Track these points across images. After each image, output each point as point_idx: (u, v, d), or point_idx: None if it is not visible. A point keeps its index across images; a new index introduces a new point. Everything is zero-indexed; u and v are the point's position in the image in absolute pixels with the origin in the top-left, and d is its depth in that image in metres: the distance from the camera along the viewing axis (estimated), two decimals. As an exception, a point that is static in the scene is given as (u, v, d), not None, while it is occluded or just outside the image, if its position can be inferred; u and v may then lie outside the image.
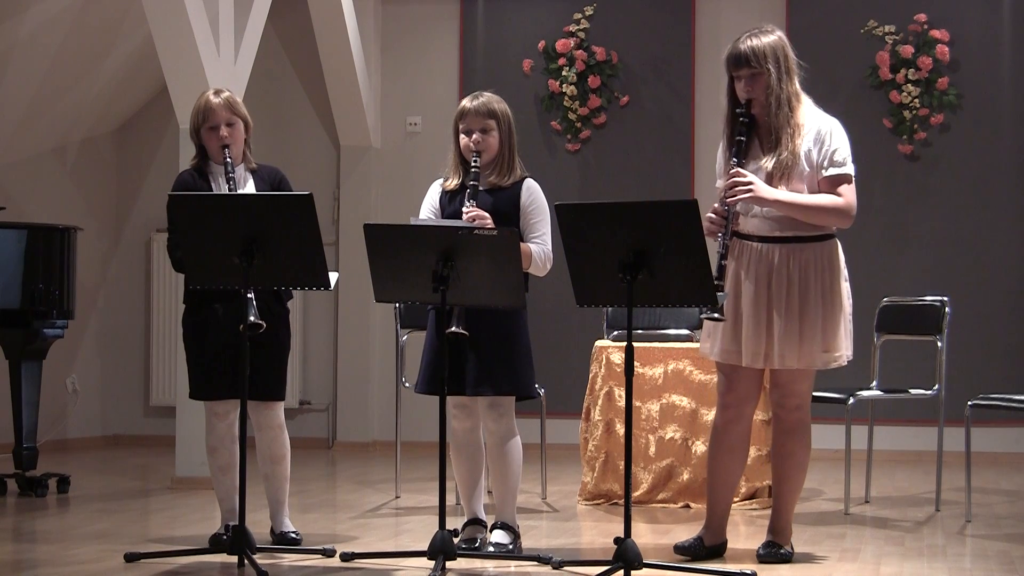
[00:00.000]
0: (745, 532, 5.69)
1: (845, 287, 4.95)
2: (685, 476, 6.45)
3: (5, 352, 7.02)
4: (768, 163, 4.88)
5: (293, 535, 5.26)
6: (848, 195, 4.88)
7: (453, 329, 4.81)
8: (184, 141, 6.71)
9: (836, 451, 7.71)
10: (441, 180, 5.17)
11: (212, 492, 5.42)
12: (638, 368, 6.42)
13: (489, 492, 5.43)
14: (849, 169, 4.90)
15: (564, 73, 9.03)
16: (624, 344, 4.60)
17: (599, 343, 6.69)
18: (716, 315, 4.80)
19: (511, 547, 5.01)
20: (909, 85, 8.66)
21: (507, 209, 5.00)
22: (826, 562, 5.01)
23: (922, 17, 8.67)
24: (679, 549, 5.01)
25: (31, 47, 7.90)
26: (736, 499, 6.00)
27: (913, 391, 6.56)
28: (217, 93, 5.27)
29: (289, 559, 5.02)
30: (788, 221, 4.88)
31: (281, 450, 5.30)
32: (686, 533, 5.25)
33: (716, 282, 4.64)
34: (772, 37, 4.92)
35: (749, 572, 4.65)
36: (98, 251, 9.39)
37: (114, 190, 9.57)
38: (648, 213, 4.54)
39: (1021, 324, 8.58)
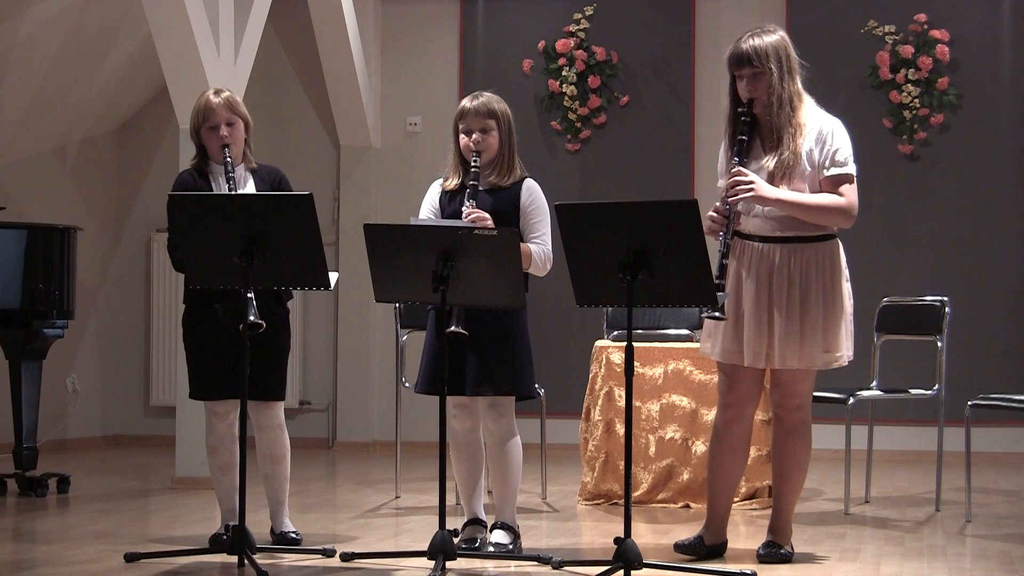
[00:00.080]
0: (745, 532, 5.69)
1: (846, 287, 4.95)
2: (685, 476, 6.45)
3: (5, 352, 7.02)
4: (770, 162, 4.88)
5: (293, 535, 5.25)
6: (850, 195, 4.88)
7: (453, 329, 4.80)
8: (184, 141, 6.71)
9: (836, 451, 7.71)
10: (441, 180, 5.16)
11: (212, 492, 5.42)
12: (638, 368, 6.42)
13: (489, 492, 5.42)
14: (851, 169, 4.90)
15: (564, 73, 9.03)
16: (624, 344, 4.60)
17: (599, 343, 6.69)
18: (717, 314, 4.80)
19: (511, 547, 5.00)
20: (909, 85, 8.66)
21: (507, 209, 5.00)
22: (826, 562, 5.01)
23: (922, 17, 8.67)
24: (680, 547, 5.02)
25: (31, 47, 7.90)
26: (736, 499, 6.00)
27: (913, 391, 6.56)
28: (217, 93, 5.27)
29: (289, 559, 5.02)
30: (789, 221, 4.88)
31: (281, 450, 5.30)
32: (686, 533, 5.25)
33: (717, 281, 4.64)
34: (774, 37, 4.92)
35: (749, 572, 4.65)
36: (98, 251, 9.39)
37: (114, 190, 9.57)
38: (648, 213, 4.54)
39: (1021, 324, 8.58)
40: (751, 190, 4.81)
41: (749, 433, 5.12)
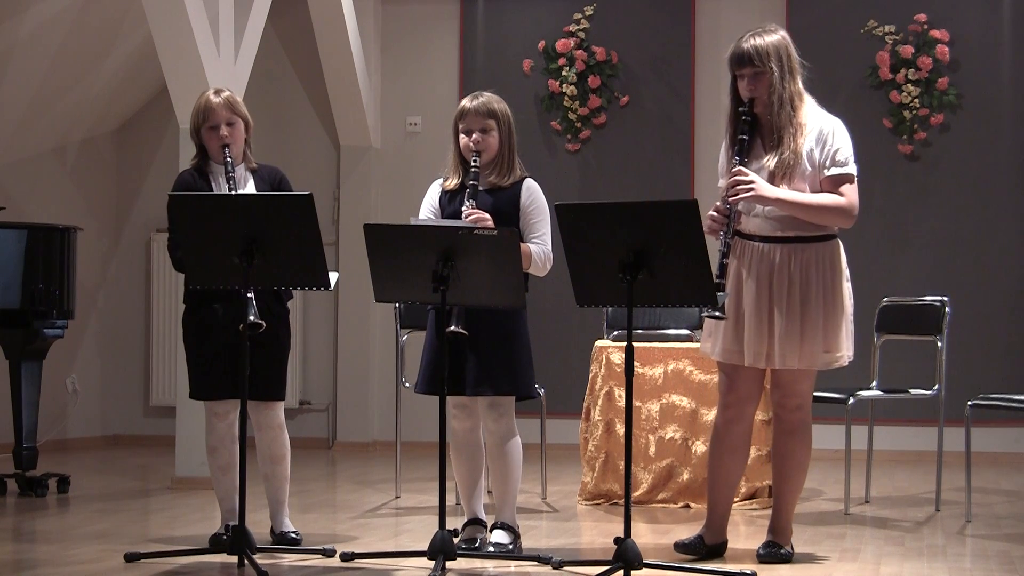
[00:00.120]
0: (745, 532, 5.69)
1: (847, 287, 4.95)
2: (685, 476, 6.45)
3: (5, 352, 7.02)
4: (770, 162, 4.88)
5: (293, 535, 5.25)
6: (850, 195, 4.88)
7: (453, 329, 4.80)
8: (184, 141, 6.71)
9: (836, 451, 7.71)
10: (441, 180, 5.16)
11: (212, 492, 5.42)
12: (638, 368, 6.42)
13: (489, 492, 5.42)
14: (851, 169, 4.90)
15: (564, 73, 9.03)
16: (624, 344, 4.60)
17: (599, 343, 6.69)
18: (717, 314, 4.80)
19: (511, 547, 5.00)
20: (909, 85, 8.66)
21: (507, 209, 5.00)
22: (826, 562, 5.01)
23: (922, 17, 8.67)
24: (680, 546, 5.02)
25: (31, 47, 7.90)
26: (736, 499, 6.00)
27: (913, 391, 6.56)
28: (217, 93, 5.27)
29: (289, 559, 5.02)
30: (790, 221, 4.88)
31: (281, 450, 5.30)
32: (686, 533, 5.24)
33: (717, 280, 4.64)
34: (775, 36, 4.92)
35: (749, 572, 4.65)
36: (98, 251, 9.39)
37: (114, 190, 9.56)
38: (648, 213, 4.54)
39: (1021, 324, 8.58)
40: (751, 190, 4.81)
41: (749, 433, 5.12)
